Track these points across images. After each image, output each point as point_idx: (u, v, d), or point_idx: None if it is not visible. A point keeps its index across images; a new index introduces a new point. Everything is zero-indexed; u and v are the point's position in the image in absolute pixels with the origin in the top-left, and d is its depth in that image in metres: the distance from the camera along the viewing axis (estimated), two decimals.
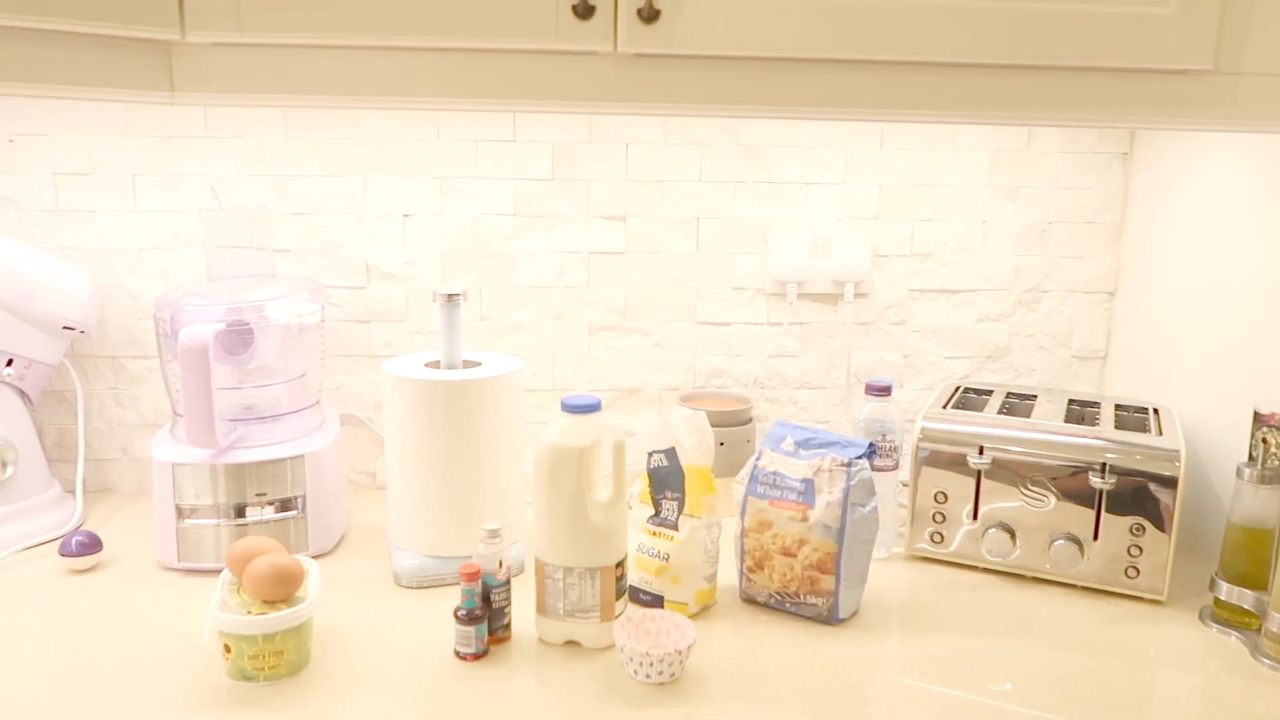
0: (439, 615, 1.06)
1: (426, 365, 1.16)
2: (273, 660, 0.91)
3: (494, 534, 0.99)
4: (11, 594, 1.10)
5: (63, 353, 1.29)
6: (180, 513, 1.15)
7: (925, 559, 1.23)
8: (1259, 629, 1.03)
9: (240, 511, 1.16)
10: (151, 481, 1.16)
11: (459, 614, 0.96)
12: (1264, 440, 1.09)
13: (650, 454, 1.07)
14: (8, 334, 1.21)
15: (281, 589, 0.93)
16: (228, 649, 0.91)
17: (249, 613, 0.91)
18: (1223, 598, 1.06)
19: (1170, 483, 1.09)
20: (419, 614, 1.06)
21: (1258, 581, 1.04)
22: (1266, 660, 1.00)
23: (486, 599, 0.98)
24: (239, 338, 1.19)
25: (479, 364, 1.17)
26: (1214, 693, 0.94)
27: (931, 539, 1.21)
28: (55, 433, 1.40)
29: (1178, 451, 1.11)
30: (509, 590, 1.00)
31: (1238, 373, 1.20)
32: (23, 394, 1.26)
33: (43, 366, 1.26)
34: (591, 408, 0.98)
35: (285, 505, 1.18)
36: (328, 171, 1.37)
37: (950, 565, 1.21)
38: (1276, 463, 1.06)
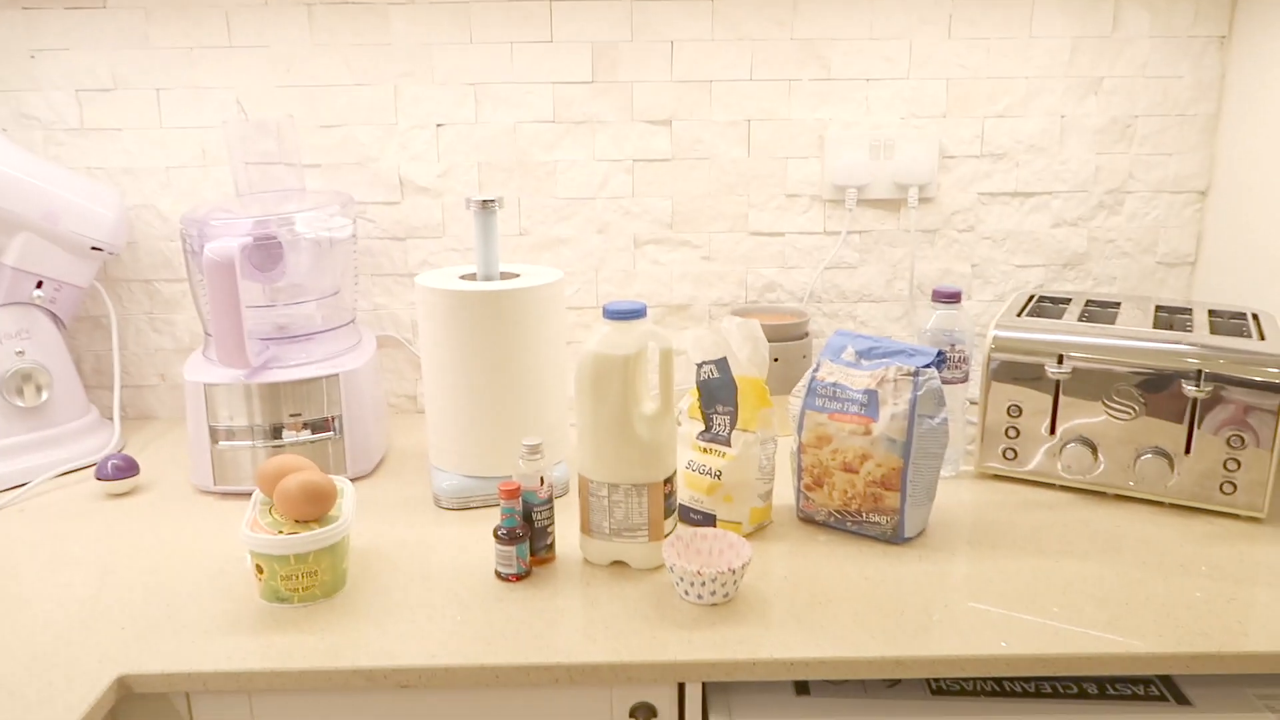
0: (480, 536, 1.01)
1: (462, 278, 1.10)
2: (306, 581, 0.87)
3: (534, 449, 0.93)
4: (50, 518, 1.08)
5: (93, 275, 1.26)
6: (215, 435, 1.12)
7: (997, 477, 1.15)
8: None
9: (276, 433, 1.12)
10: (185, 404, 1.13)
11: (499, 533, 0.91)
12: None
13: (700, 365, 1.00)
14: (35, 255, 1.18)
15: (313, 508, 0.88)
16: (260, 570, 0.87)
17: (280, 532, 0.87)
18: None
19: (1274, 389, 0.99)
20: (460, 535, 1.02)
21: None
22: None
23: (528, 518, 0.93)
24: (267, 253, 1.14)
25: (518, 276, 1.11)
26: None
27: (1004, 455, 1.13)
28: (93, 359, 1.38)
29: None
30: (551, 509, 0.95)
31: None
32: (55, 317, 1.23)
33: (73, 289, 1.23)
34: (636, 313, 0.91)
35: (321, 426, 1.13)
36: (357, 80, 1.30)
37: (1024, 483, 1.13)
38: None
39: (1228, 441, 1.02)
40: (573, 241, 1.37)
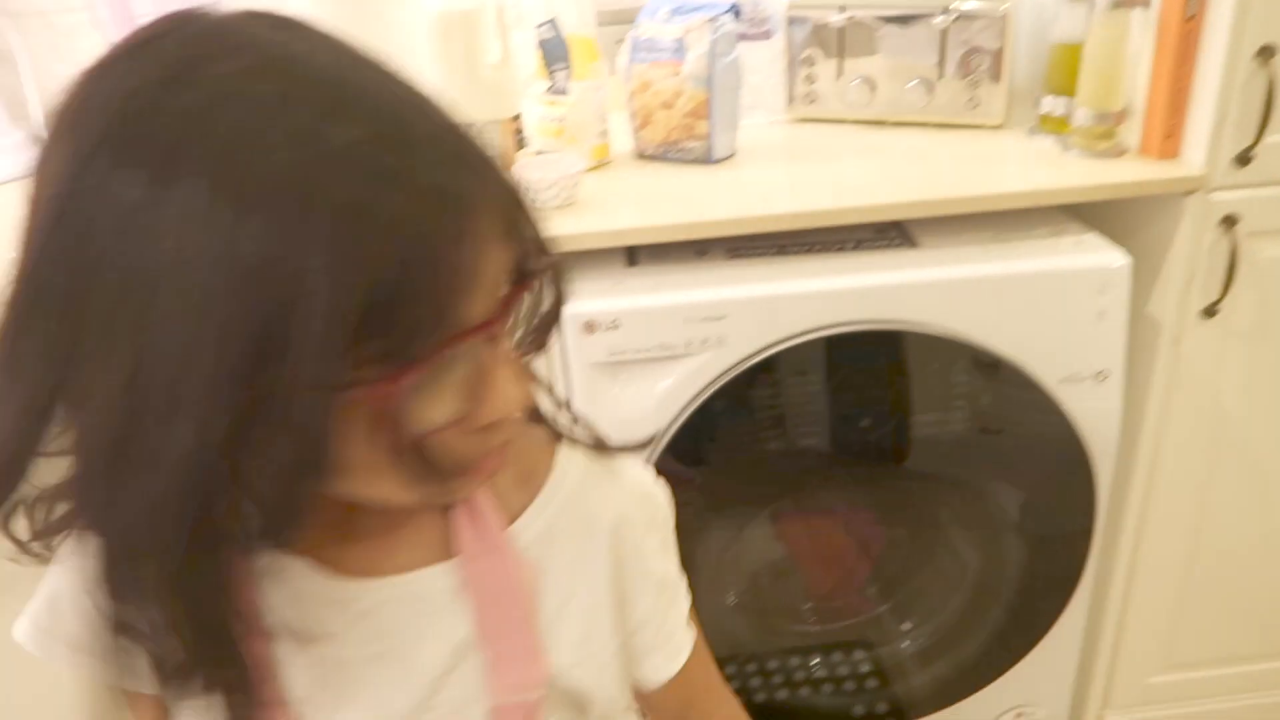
0: None
1: None
2: None
3: None
4: None
5: None
6: None
7: (803, 120, 1.38)
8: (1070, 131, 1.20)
9: None
10: None
11: None
12: None
13: (538, 27, 1.19)
14: None
15: None
16: None
17: None
18: (1045, 112, 1.23)
19: (999, 21, 1.23)
20: None
21: (1071, 91, 1.20)
22: (1074, 149, 1.18)
23: None
24: None
25: None
26: (1038, 178, 1.13)
27: (806, 100, 1.36)
28: None
29: None
30: None
31: None
32: None
33: None
34: None
35: None
36: None
37: (824, 122, 1.37)
38: None
39: (971, 67, 1.26)
40: None
